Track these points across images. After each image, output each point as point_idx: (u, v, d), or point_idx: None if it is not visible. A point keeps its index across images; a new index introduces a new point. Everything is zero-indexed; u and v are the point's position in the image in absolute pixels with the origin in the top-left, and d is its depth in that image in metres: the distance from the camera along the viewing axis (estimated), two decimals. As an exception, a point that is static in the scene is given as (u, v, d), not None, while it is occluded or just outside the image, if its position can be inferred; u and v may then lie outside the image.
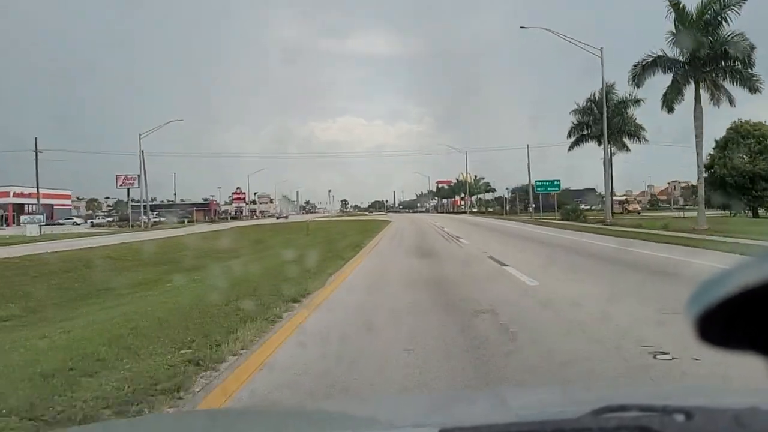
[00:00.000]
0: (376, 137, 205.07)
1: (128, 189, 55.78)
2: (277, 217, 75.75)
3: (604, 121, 33.33)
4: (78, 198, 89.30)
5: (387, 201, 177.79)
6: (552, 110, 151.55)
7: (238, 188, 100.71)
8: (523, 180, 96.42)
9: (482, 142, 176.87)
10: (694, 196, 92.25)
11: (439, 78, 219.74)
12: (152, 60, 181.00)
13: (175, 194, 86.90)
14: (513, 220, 49.23)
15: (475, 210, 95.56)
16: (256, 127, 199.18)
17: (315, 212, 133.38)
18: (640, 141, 42.51)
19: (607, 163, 35.09)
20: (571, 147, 43.62)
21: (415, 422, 1.37)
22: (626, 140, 42.94)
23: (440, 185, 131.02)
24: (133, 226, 52.06)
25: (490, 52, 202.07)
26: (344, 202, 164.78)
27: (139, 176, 54.49)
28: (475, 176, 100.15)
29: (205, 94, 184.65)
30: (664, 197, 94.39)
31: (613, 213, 45.29)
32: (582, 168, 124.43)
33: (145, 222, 54.79)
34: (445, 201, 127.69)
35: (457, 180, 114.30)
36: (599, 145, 38.56)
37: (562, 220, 40.93)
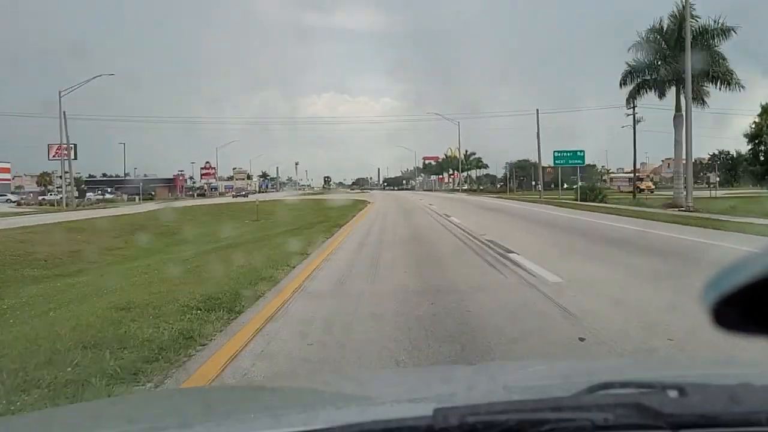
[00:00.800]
0: (361, 113, 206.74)
1: (66, 161, 46.51)
2: (234, 195, 69.21)
3: (688, 55, 23.31)
4: (30, 175, 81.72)
5: (371, 178, 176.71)
6: (542, 81, 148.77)
7: (207, 162, 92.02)
8: (516, 156, 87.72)
9: (470, 121, 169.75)
10: (702, 174, 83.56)
11: (424, 55, 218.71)
12: (139, 42, 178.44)
13: (125, 168, 78.69)
14: (519, 199, 40.66)
15: (466, 188, 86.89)
16: (238, 103, 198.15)
17: (298, 189, 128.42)
18: (730, 88, 27.55)
19: (689, 118, 24.53)
20: (628, 100, 32.92)
21: (409, 399, 1.40)
22: (709, 87, 28.20)
23: (427, 161, 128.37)
24: (68, 204, 46.86)
25: (476, 27, 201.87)
26: (327, 179, 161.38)
27: (62, 145, 45.28)
28: (466, 151, 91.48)
29: (185, 67, 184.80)
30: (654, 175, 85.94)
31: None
32: (576, 140, 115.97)
33: (75, 199, 45.88)
34: (433, 178, 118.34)
35: (445, 156, 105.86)
36: (661, 98, 28.89)
37: (581, 201, 36.10)
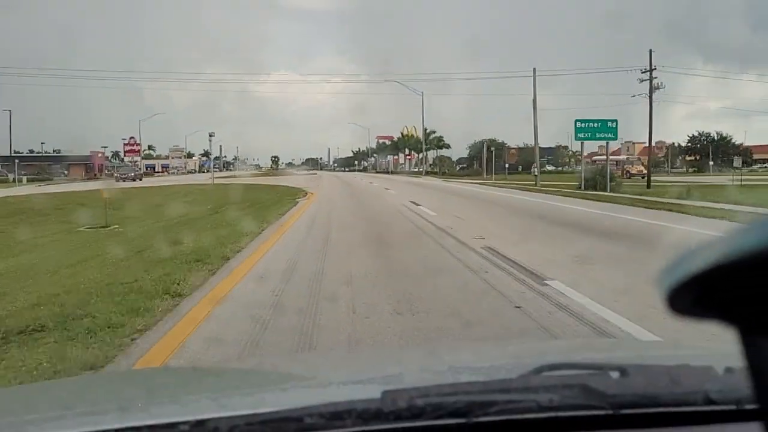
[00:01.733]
0: (312, 93, 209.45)
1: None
2: (118, 178, 56.45)
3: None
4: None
5: (321, 158, 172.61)
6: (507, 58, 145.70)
7: (131, 138, 79.80)
8: (477, 136, 79.33)
9: (428, 100, 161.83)
10: (682, 157, 75.86)
11: (376, 34, 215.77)
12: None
13: (11, 143, 66.83)
14: (505, 185, 31.07)
15: (427, 170, 77.73)
16: (184, 80, 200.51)
17: (241, 170, 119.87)
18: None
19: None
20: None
21: (358, 380, 1.45)
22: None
23: (381, 141, 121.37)
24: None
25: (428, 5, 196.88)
26: (275, 159, 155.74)
27: None
28: (425, 130, 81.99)
29: (125, 42, 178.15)
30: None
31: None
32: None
33: None
34: (389, 159, 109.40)
35: (401, 135, 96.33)
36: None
37: (586, 189, 28.90)
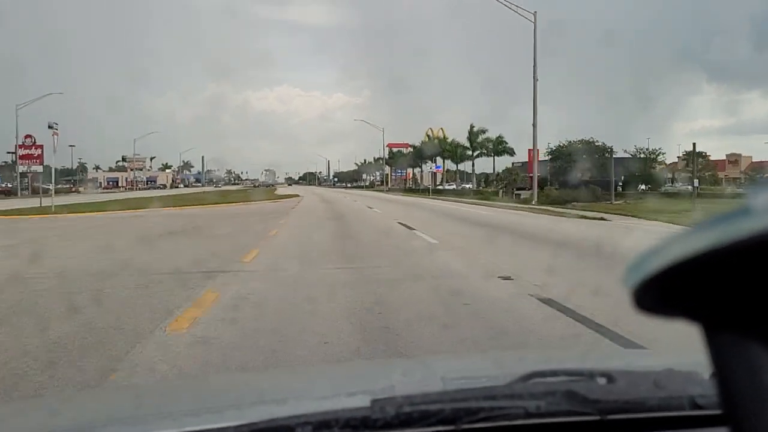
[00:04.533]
0: (315, 108, 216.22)
1: None
2: None
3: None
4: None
5: (320, 172, 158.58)
6: (504, 81, 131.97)
7: (27, 137, 51.08)
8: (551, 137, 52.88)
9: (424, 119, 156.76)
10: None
11: (379, 51, 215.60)
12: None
13: None
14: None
15: (466, 188, 50.68)
16: (187, 94, 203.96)
17: (236, 184, 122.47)
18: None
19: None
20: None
21: (346, 391, 1.43)
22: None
23: (395, 150, 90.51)
24: None
25: (431, 24, 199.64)
26: (268, 173, 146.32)
27: None
28: (471, 127, 53.52)
29: (129, 57, 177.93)
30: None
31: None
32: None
33: None
34: (400, 172, 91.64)
35: (427, 137, 67.81)
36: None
37: None
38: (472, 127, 60.00)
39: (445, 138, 68.60)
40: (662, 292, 0.52)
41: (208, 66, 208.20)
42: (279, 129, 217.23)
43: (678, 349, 2.96)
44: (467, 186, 60.80)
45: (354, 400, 1.14)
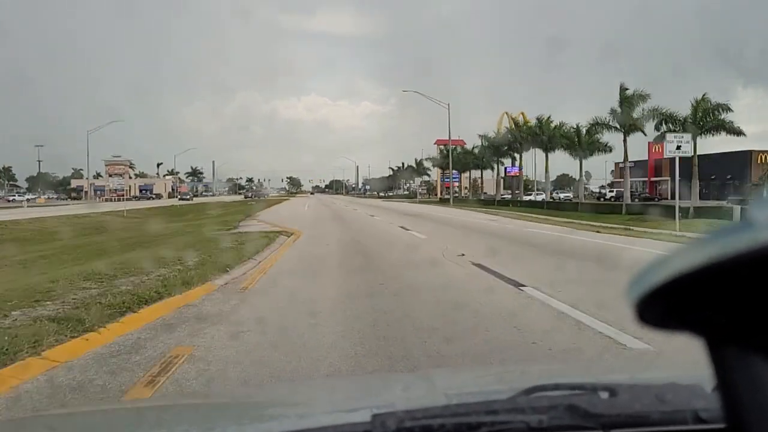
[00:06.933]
0: (342, 116, 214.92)
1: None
2: None
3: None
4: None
5: (348, 180, 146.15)
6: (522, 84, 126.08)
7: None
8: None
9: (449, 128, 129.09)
10: None
11: (404, 60, 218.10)
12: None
13: None
14: None
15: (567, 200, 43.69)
16: (216, 104, 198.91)
17: (257, 193, 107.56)
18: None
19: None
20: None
21: (348, 407, 1.43)
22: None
23: (441, 147, 74.87)
24: None
25: (455, 33, 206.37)
26: (291, 180, 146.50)
27: None
28: (622, 87, 39.41)
29: (159, 67, 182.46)
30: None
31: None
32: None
33: None
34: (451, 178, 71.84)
35: (505, 127, 60.56)
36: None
37: None
38: (623, 88, 35.24)
39: (527, 124, 49.26)
40: (665, 306, 0.52)
41: (235, 75, 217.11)
42: (305, 137, 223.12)
43: (684, 359, 2.75)
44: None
45: (355, 415, 1.13)
